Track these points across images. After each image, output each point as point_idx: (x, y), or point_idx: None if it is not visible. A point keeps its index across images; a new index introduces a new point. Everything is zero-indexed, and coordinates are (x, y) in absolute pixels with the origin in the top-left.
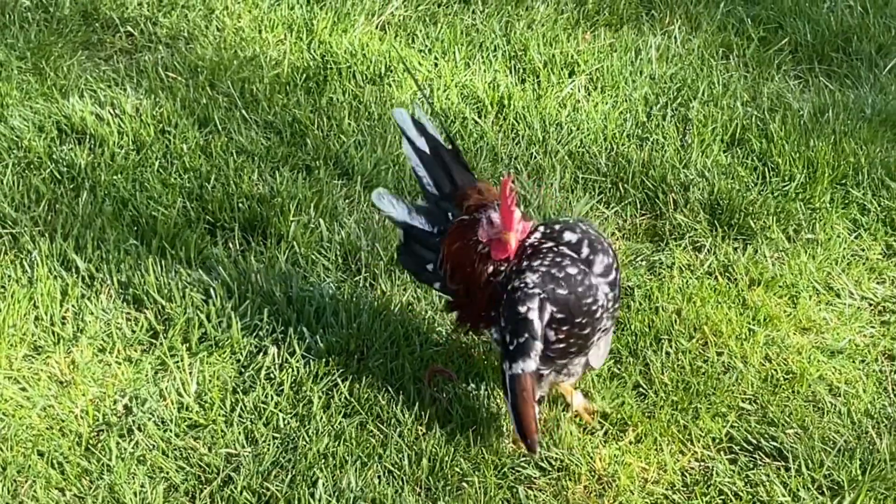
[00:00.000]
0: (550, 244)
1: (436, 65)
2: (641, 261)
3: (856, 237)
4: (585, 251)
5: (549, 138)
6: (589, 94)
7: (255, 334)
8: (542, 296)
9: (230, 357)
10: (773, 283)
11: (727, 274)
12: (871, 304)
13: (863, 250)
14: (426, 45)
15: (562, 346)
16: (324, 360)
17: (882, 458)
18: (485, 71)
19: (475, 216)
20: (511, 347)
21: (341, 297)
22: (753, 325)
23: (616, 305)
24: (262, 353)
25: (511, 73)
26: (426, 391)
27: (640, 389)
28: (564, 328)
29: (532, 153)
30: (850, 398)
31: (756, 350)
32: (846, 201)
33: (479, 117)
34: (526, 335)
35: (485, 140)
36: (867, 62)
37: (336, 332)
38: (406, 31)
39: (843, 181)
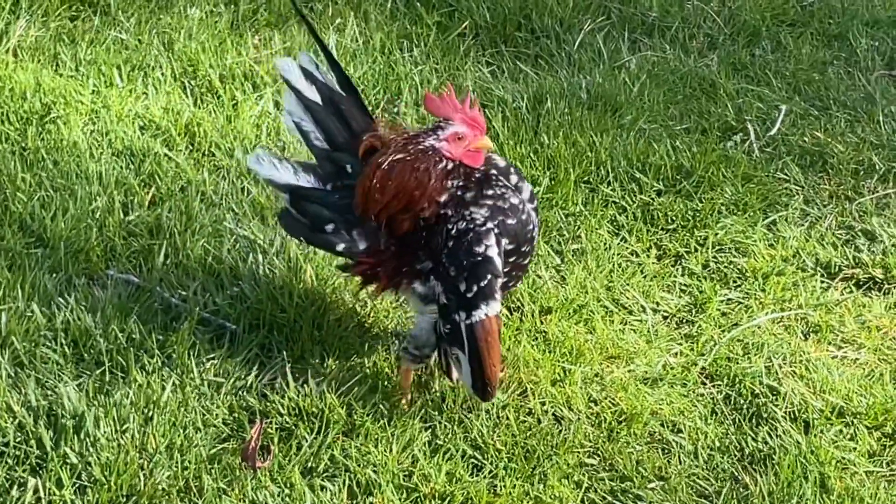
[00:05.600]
0: (486, 170)
1: (95, 92)
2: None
3: (621, 241)
4: (514, 178)
5: None
6: (279, 109)
7: (2, 463)
8: (495, 231)
9: None
10: (564, 308)
11: (511, 304)
12: (665, 317)
13: (634, 254)
14: (75, 70)
15: (504, 279)
16: (103, 485)
17: (761, 502)
18: (157, 93)
19: (416, 147)
20: (471, 294)
21: (97, 400)
22: (564, 362)
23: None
24: (18, 488)
25: (187, 93)
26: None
27: (474, 460)
28: (510, 259)
29: (244, 187)
30: (691, 432)
31: (577, 392)
32: (598, 201)
33: (171, 151)
34: (489, 276)
35: (184, 178)
36: (555, 39)
37: (106, 447)
38: (45, 54)
39: (587, 179)
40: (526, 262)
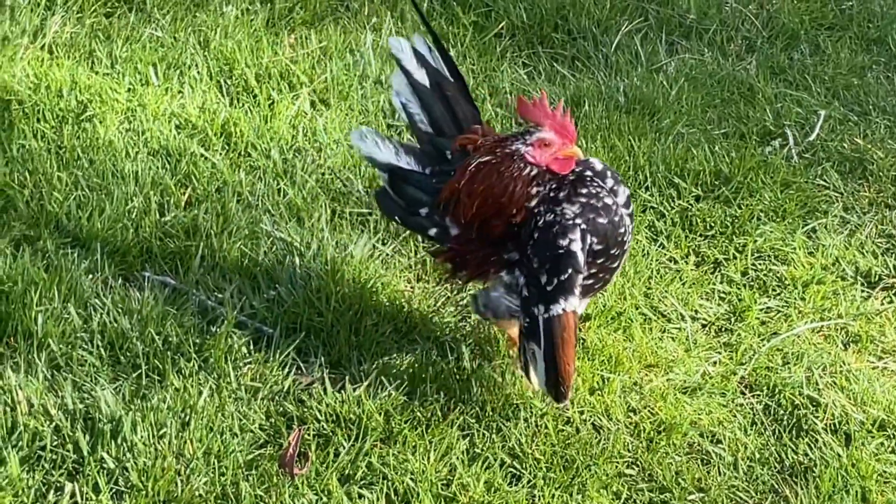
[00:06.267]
0: (580, 171)
1: (131, 90)
2: (448, 305)
3: (659, 247)
4: (610, 181)
5: (294, 169)
6: (315, 109)
7: (39, 467)
8: (583, 227)
9: (15, 502)
10: (603, 316)
11: None
12: (704, 325)
13: (673, 261)
14: (111, 68)
15: (590, 281)
16: (141, 491)
17: None
18: (192, 92)
19: (503, 151)
20: (550, 287)
21: (133, 404)
22: (602, 370)
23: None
24: (55, 492)
25: (223, 92)
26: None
27: (512, 469)
28: (598, 261)
29: (280, 188)
30: (731, 443)
31: (616, 401)
32: (636, 206)
33: (207, 151)
34: (570, 270)
35: (220, 178)
36: (592, 41)
37: (143, 452)
38: (80, 51)
39: (626, 183)
40: (615, 265)
